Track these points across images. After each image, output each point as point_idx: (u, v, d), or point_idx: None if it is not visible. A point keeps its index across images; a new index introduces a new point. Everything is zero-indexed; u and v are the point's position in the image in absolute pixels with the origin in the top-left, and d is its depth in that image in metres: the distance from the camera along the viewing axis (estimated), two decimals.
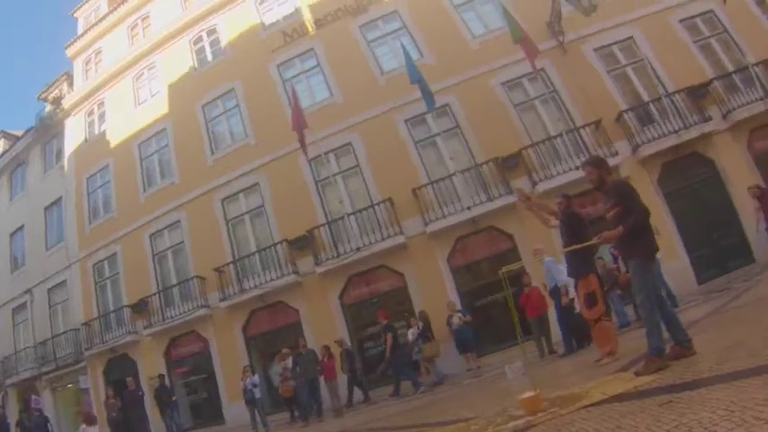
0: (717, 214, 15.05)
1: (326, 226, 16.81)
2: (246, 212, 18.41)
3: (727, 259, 14.77)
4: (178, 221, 19.32)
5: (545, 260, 10.71)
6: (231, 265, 17.61)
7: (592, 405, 4.29)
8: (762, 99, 15.79)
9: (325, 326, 16.10)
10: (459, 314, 14.32)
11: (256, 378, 14.67)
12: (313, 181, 17.58)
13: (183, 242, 19.10)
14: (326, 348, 14.18)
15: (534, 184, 15.40)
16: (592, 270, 7.32)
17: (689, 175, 15.61)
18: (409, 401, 11.50)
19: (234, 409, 16.40)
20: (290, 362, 14.21)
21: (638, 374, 4.82)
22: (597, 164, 5.71)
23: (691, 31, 17.16)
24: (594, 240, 5.56)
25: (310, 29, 19.63)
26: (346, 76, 18.29)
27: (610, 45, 17.12)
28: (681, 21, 17.22)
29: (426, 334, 13.85)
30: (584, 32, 16.97)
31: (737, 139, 15.74)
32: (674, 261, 13.96)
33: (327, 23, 19.49)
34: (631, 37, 17.08)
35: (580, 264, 7.20)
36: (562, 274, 9.92)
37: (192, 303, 17.97)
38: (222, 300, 17.27)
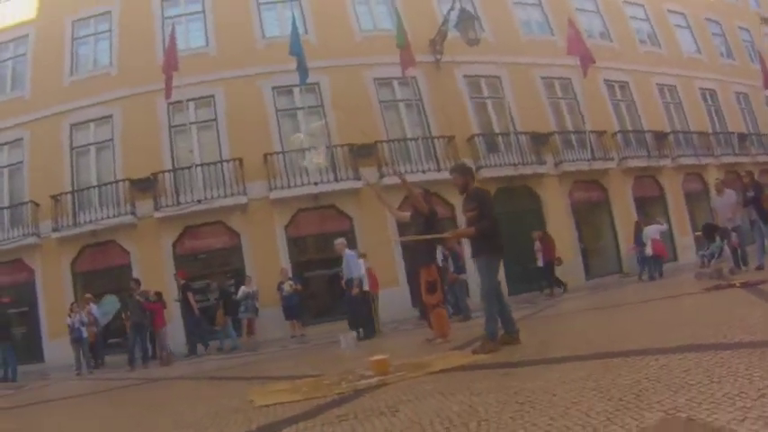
0: (532, 242, 15.75)
1: (172, 173, 15.52)
2: (94, 143, 16.54)
3: (532, 280, 16.10)
4: (20, 139, 16.81)
5: (345, 253, 10.89)
6: (69, 195, 15.68)
7: (438, 372, 4.61)
8: (588, 160, 17.96)
9: (154, 272, 14.71)
10: (291, 282, 13.98)
11: (84, 316, 12.99)
12: (167, 125, 16.20)
13: (22, 162, 16.66)
14: (158, 295, 13.08)
15: (381, 176, 15.38)
16: (434, 261, 7.69)
17: (517, 202, 16.80)
18: (231, 359, 11.09)
19: (55, 347, 14.45)
20: (93, 308, 13.12)
21: (474, 353, 5.35)
22: (464, 171, 6.09)
23: (548, 89, 19.04)
24: (447, 234, 6.19)
25: None
26: (227, 31, 17.13)
27: (478, 77, 18.07)
28: (542, 78, 18.95)
29: (220, 302, 13.41)
30: (459, 58, 17.52)
31: (562, 184, 17.84)
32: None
33: None
34: (499, 77, 18.09)
35: (426, 254, 7.49)
36: (358, 268, 10.65)
37: (22, 230, 15.73)
38: (55, 230, 15.28)
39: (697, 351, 3.58)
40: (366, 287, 10.83)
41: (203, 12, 17.69)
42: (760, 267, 10.51)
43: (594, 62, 17.19)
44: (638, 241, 15.31)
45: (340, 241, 11.19)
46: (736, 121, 23.19)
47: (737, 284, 8.01)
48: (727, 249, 11.81)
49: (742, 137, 22.57)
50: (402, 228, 11.27)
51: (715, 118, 22.67)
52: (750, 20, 26.61)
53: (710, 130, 21.87)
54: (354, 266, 10.66)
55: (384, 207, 8.40)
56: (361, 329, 10.49)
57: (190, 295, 13.15)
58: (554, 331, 7.31)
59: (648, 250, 14.68)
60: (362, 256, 12.88)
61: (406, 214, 7.73)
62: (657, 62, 21.57)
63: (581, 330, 6.86)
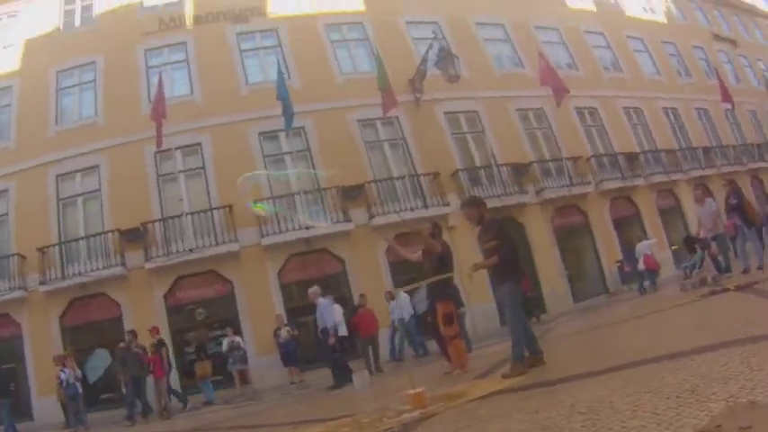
0: None
1: (161, 222, 14.99)
2: (81, 194, 15.88)
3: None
4: (6, 191, 16.05)
5: (319, 301, 10.58)
6: (56, 247, 14.97)
7: (478, 399, 4.45)
8: (567, 186, 18.00)
9: (146, 324, 13.66)
10: (288, 328, 13.54)
11: (79, 372, 12.36)
12: (155, 174, 15.68)
13: (7, 214, 15.84)
14: (154, 345, 12.38)
15: (371, 217, 15.11)
16: (450, 295, 7.63)
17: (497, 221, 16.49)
18: (237, 408, 10.77)
19: (45, 404, 13.63)
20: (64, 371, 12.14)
21: (505, 377, 5.26)
22: (476, 203, 6.11)
23: (523, 120, 19.11)
24: (471, 268, 5.89)
25: (188, 23, 17.78)
26: (211, 78, 16.74)
27: (457, 112, 17.99)
28: (517, 110, 18.99)
29: (200, 354, 12.83)
30: (439, 96, 17.50)
31: (544, 212, 17.86)
32: (483, 303, 14.42)
33: (206, 22, 17.81)
34: (477, 111, 18.11)
35: (441, 289, 7.37)
36: (332, 316, 10.43)
37: (8, 283, 14.90)
38: (42, 283, 14.51)
39: (726, 347, 3.65)
40: (343, 333, 10.66)
41: (187, 60, 17.27)
42: (746, 270, 10.43)
43: (569, 92, 17.18)
44: (631, 258, 15.42)
45: (313, 290, 10.84)
46: (700, 136, 23.48)
47: (732, 288, 8.05)
48: (708, 259, 11.75)
49: (707, 150, 22.86)
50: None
51: (679, 135, 22.94)
52: (703, 38, 27.13)
53: (677, 147, 22.08)
54: (328, 315, 10.40)
55: (403, 257, 8.40)
56: (340, 377, 10.18)
57: (164, 351, 12.45)
58: (574, 349, 7.30)
59: (641, 265, 14.89)
60: (361, 296, 12.91)
61: (418, 254, 7.62)
62: (622, 86, 21.80)
63: (603, 345, 7.01)
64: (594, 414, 2.85)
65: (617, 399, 3.05)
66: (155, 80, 15.90)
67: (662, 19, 25.90)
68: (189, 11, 18.01)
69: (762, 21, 33.12)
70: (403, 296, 12.63)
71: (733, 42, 28.70)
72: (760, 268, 10.22)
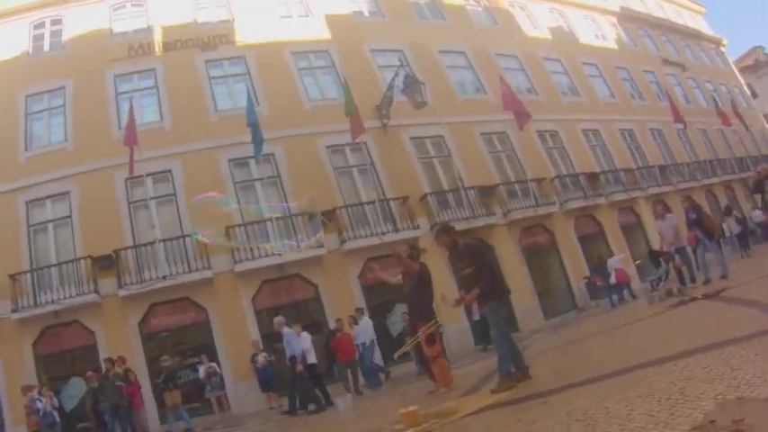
0: None
1: (134, 249, 14.71)
2: (51, 221, 15.49)
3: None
4: None
5: (284, 331, 10.61)
6: (28, 275, 14.51)
7: (472, 414, 4.44)
8: (533, 207, 18.36)
9: (121, 353, 13.42)
10: (264, 353, 13.36)
11: (56, 400, 12.00)
12: (126, 201, 15.42)
13: None
14: (129, 373, 12.15)
15: (343, 241, 15.11)
16: (432, 316, 7.56)
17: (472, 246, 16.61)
18: None
19: None
20: (35, 393, 11.89)
21: (493, 392, 5.27)
22: (448, 231, 6.15)
23: (488, 143, 19.46)
24: (453, 304, 5.96)
25: (158, 50, 17.66)
26: (180, 105, 16.64)
27: (424, 138, 18.20)
28: (482, 134, 19.35)
29: (168, 384, 12.43)
30: (405, 122, 17.74)
31: (512, 232, 18.09)
32: (457, 324, 14.90)
33: (175, 49, 17.73)
34: (442, 136, 18.32)
35: (423, 309, 7.41)
36: (299, 345, 10.39)
37: None
38: (14, 311, 13.98)
39: (704, 351, 3.78)
40: (312, 360, 10.63)
41: (156, 87, 17.13)
42: (707, 281, 10.73)
43: (531, 117, 17.55)
44: (603, 272, 15.77)
45: (278, 320, 10.86)
46: (656, 155, 24.25)
47: (700, 297, 8.23)
48: (672, 271, 12.03)
49: (663, 168, 23.60)
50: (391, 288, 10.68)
51: (636, 155, 23.62)
52: (653, 63, 28.21)
53: (634, 166, 22.73)
54: (295, 344, 10.37)
55: (384, 280, 8.51)
56: (311, 404, 10.18)
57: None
58: (559, 362, 7.34)
59: (613, 279, 15.45)
60: (337, 320, 12.86)
61: (398, 277, 7.69)
62: (580, 110, 22.48)
63: (586, 356, 7.08)
64: (592, 420, 2.89)
65: (611, 404, 3.11)
66: (124, 106, 15.76)
67: (613, 45, 26.89)
68: (158, 38, 17.92)
69: (707, 44, 34.55)
70: (365, 321, 12.63)
71: (681, 66, 29.85)
72: (724, 277, 10.51)
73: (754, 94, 38.32)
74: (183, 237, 14.76)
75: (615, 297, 15.42)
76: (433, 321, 7.45)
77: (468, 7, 22.84)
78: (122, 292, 14.24)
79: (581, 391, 3.96)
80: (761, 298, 5.90)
